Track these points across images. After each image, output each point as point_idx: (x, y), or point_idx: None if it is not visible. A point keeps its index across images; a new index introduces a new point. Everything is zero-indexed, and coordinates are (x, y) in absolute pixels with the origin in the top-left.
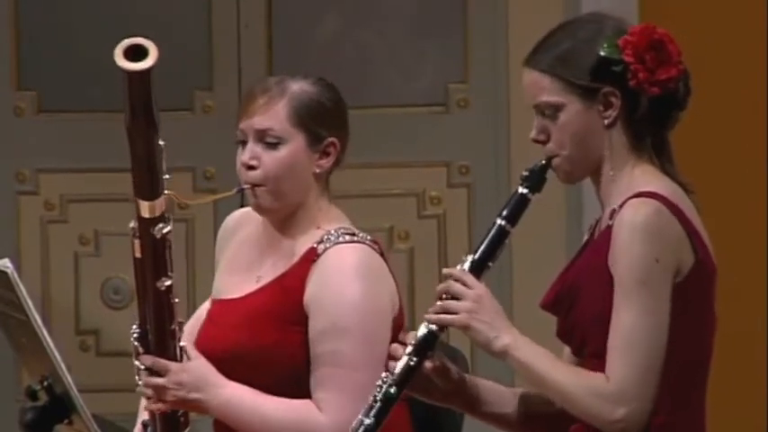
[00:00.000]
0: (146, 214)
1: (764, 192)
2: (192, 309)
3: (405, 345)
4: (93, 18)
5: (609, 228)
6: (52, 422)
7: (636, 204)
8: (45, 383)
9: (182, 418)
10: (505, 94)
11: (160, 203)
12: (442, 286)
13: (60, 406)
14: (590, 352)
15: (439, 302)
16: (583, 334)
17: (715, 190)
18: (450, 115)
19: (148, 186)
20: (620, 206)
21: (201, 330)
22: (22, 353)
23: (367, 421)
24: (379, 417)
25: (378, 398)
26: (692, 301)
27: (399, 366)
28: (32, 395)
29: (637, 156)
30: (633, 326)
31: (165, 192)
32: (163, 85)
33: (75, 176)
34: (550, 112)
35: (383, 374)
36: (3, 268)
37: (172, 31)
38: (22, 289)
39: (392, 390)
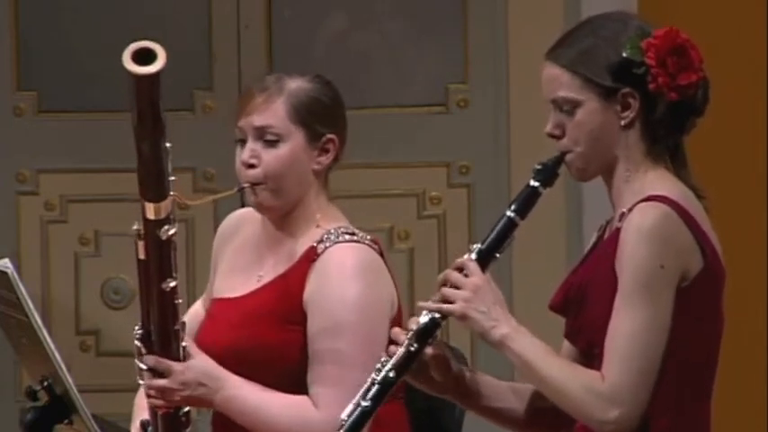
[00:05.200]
0: (151, 216)
1: (765, 192)
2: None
3: (406, 330)
4: (92, 19)
5: (618, 230)
6: (52, 422)
7: (645, 208)
8: (45, 384)
9: (183, 418)
10: (505, 94)
11: (166, 205)
12: (442, 275)
13: (60, 406)
14: (597, 354)
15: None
16: (590, 337)
17: (715, 190)
18: (450, 115)
19: (155, 188)
20: (630, 209)
21: (201, 328)
22: (22, 353)
23: (364, 403)
24: (377, 400)
25: (376, 381)
26: (698, 305)
27: (400, 352)
28: (32, 395)
29: (651, 158)
30: (633, 330)
31: (171, 193)
32: (163, 85)
33: (75, 176)
34: (568, 108)
35: (382, 358)
36: (3, 268)
37: (172, 32)
38: (22, 289)
39: (391, 374)
